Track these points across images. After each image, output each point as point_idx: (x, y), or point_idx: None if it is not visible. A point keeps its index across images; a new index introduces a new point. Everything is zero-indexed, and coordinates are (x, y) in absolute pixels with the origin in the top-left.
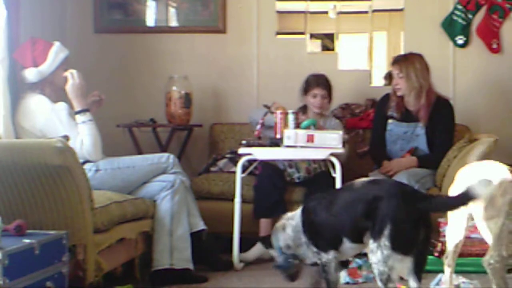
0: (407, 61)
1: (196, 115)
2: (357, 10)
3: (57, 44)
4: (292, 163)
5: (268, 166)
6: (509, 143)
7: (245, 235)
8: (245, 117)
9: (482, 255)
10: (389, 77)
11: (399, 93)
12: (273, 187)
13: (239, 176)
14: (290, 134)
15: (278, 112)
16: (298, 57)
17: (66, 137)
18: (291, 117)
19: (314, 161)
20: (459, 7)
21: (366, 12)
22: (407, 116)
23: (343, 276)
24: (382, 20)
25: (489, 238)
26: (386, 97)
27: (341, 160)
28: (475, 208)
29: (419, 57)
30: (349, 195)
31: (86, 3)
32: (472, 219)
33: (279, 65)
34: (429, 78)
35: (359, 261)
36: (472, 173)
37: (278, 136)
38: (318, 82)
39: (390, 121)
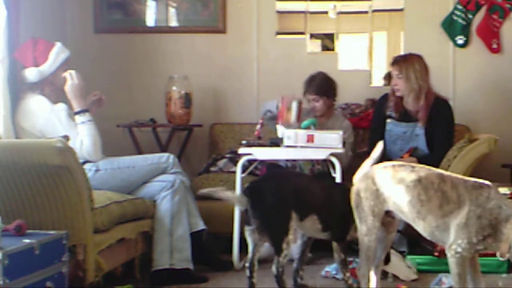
0: (406, 62)
1: (196, 115)
2: (357, 10)
3: (58, 44)
4: (296, 164)
5: (272, 166)
6: (509, 143)
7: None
8: (245, 117)
9: (482, 255)
10: (388, 77)
11: (398, 94)
12: None
13: (239, 176)
14: (290, 134)
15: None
16: (298, 57)
17: (66, 137)
18: (294, 105)
19: (318, 162)
20: (459, 7)
21: (366, 12)
22: (406, 116)
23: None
24: (382, 20)
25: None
26: (385, 97)
27: (343, 163)
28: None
29: (419, 58)
30: None
31: (86, 3)
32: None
33: (279, 65)
34: (428, 79)
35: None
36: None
37: (279, 124)
38: (309, 86)
39: (388, 120)
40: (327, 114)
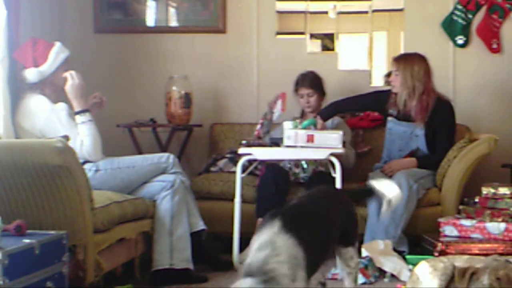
0: (406, 60)
1: (196, 115)
2: (357, 10)
3: (58, 44)
4: (298, 163)
5: (271, 167)
6: (509, 143)
7: (245, 235)
8: (245, 117)
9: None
10: (388, 76)
11: (393, 90)
12: (276, 189)
13: (239, 176)
14: (290, 134)
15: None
16: (298, 57)
17: (66, 137)
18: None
19: (321, 163)
20: (459, 7)
21: (366, 12)
22: (406, 116)
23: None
24: (382, 20)
25: None
26: (388, 93)
27: (345, 162)
28: None
29: (421, 58)
30: None
31: (86, 3)
32: None
33: (279, 65)
34: (429, 80)
35: (364, 261)
36: None
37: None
38: (302, 82)
39: (389, 118)
40: (316, 111)
